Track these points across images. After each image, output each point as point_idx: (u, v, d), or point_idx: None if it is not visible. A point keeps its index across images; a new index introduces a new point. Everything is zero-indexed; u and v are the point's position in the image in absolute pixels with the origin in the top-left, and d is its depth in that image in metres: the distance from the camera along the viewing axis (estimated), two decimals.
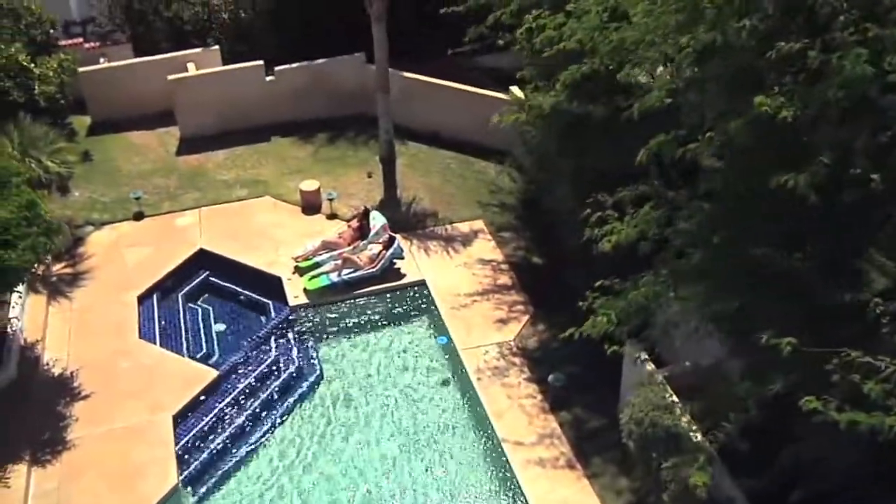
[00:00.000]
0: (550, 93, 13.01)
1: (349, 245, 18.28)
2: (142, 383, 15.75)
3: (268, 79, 22.39)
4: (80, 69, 21.89)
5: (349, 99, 22.86)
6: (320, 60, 22.64)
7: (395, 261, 18.08)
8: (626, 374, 14.27)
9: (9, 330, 16.23)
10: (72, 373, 16.02)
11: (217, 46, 23.21)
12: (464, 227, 19.45)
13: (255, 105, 22.47)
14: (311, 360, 16.60)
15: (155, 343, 16.76)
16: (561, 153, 16.33)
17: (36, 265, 14.51)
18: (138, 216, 19.89)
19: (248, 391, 15.86)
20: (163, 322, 17.36)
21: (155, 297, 17.85)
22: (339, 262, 17.82)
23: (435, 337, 16.93)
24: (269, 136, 22.57)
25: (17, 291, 16.25)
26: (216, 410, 15.42)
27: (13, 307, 16.54)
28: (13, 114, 18.59)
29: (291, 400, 15.76)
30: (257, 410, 15.50)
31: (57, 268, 18.42)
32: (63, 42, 22.51)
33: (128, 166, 21.55)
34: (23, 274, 14.49)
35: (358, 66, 22.65)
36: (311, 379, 16.18)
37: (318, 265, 18.01)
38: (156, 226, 19.66)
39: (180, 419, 15.19)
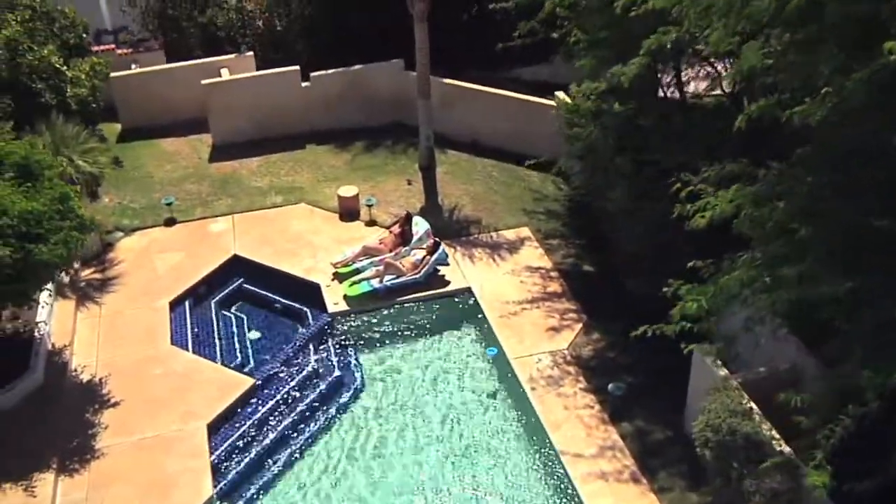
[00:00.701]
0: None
1: (391, 251, 17.46)
2: (174, 391, 14.89)
3: (303, 85, 21.73)
4: (112, 74, 21.29)
5: (386, 106, 22.17)
6: (357, 67, 21.99)
7: (438, 267, 17.22)
8: (694, 381, 13.30)
9: (36, 334, 15.44)
10: (101, 379, 15.18)
11: (251, 53, 22.60)
12: (509, 234, 18.61)
13: (290, 112, 21.79)
14: (352, 369, 15.71)
15: (187, 350, 15.91)
16: (619, 150, 15.52)
17: (67, 262, 13.69)
18: (170, 222, 19.16)
19: (286, 401, 14.96)
20: (195, 329, 16.52)
21: (187, 303, 17.04)
22: (381, 267, 16.98)
23: (483, 346, 15.99)
24: (303, 143, 21.87)
25: (48, 289, 15.45)
26: (253, 420, 14.51)
27: (41, 310, 15.75)
28: (45, 115, 17.96)
29: (332, 410, 14.85)
30: (296, 420, 14.59)
31: (86, 273, 17.68)
32: (95, 48, 21.95)
33: (159, 173, 20.88)
34: (54, 270, 13.71)
35: (396, 73, 21.97)
36: (352, 389, 15.28)
37: (358, 271, 17.17)
38: (188, 232, 18.92)
39: (215, 429, 14.28)
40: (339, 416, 14.79)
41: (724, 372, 12.45)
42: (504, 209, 19.43)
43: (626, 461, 13.36)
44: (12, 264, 12.69)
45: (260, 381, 15.18)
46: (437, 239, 17.36)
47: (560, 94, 19.99)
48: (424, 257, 17.10)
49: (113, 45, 23.34)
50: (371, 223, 18.88)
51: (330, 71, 21.80)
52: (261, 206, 19.65)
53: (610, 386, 14.56)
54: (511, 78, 23.04)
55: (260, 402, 14.89)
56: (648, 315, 11.76)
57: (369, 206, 19.01)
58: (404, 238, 17.72)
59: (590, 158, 17.08)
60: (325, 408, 14.91)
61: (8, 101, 18.15)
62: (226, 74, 21.83)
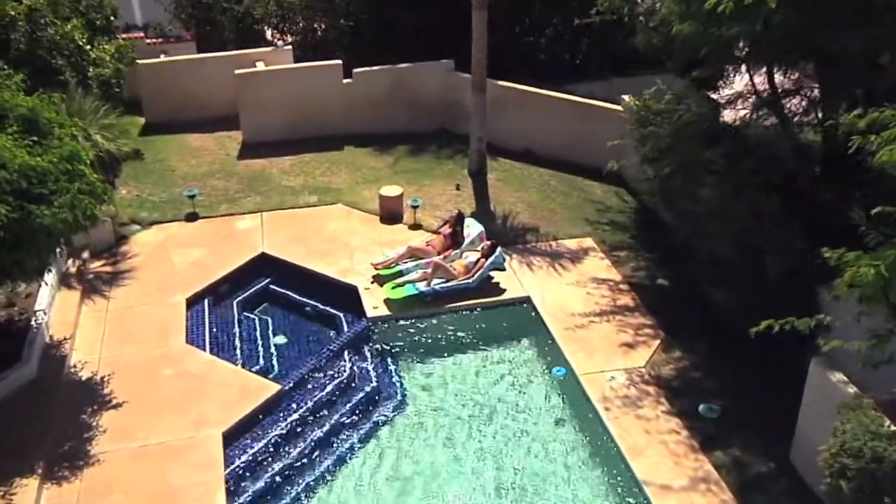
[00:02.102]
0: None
1: (439, 254, 15.40)
2: (186, 394, 12.78)
3: (345, 81, 19.97)
4: (139, 61, 19.63)
5: (433, 110, 20.41)
6: (404, 65, 20.25)
7: (494, 273, 15.15)
8: (809, 400, 11.06)
9: (33, 323, 13.42)
10: (103, 378, 13.09)
11: (289, 47, 20.93)
12: (570, 244, 16.55)
13: (330, 110, 20.03)
14: (392, 381, 13.57)
15: (204, 350, 13.83)
16: (711, 142, 13.58)
17: (72, 230, 11.66)
18: (192, 217, 17.25)
19: (315, 412, 12.80)
20: (214, 329, 14.46)
21: (206, 301, 15.01)
22: (429, 270, 14.91)
23: (546, 361, 13.86)
24: (341, 145, 20.04)
25: (49, 269, 13.41)
26: (277, 431, 12.34)
27: (40, 297, 13.77)
28: (63, 89, 16.20)
29: (367, 426, 12.67)
30: (326, 435, 12.42)
31: (96, 265, 15.72)
32: (123, 36, 20.34)
33: (182, 167, 19.05)
34: (57, 239, 11.69)
35: (444, 74, 20.23)
36: (392, 403, 13.12)
37: (401, 273, 15.12)
38: (211, 228, 16.98)
39: (232, 438, 12.11)
40: (375, 433, 12.61)
41: (853, 389, 10.23)
42: (563, 218, 17.41)
43: (723, 495, 11.07)
44: (7, 225, 10.71)
45: (287, 388, 13.04)
46: (493, 241, 15.33)
47: (627, 98, 18.14)
48: (479, 260, 15.05)
49: (142, 34, 21.72)
50: (416, 227, 16.88)
51: (375, 68, 20.06)
52: (293, 206, 17.73)
53: (701, 407, 12.34)
54: (566, 93, 21.25)
55: (285, 411, 12.73)
56: (737, 330, 10.48)
57: (414, 207, 17.03)
58: (454, 240, 15.69)
59: (668, 157, 15.07)
60: (359, 423, 12.74)
61: (25, 75, 16.40)
62: (261, 67, 20.11)
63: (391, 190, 17.39)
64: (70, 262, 15.44)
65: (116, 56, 18.43)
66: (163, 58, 21.02)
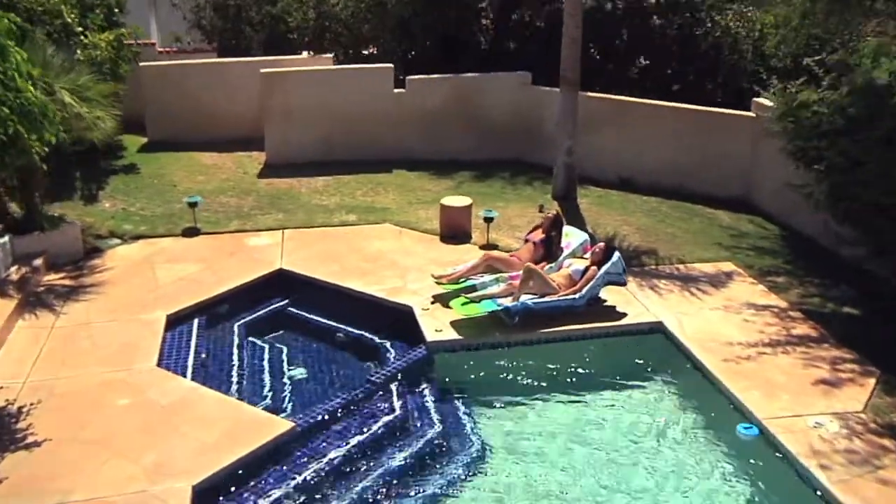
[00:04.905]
0: None
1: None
2: (145, 431, 8.13)
3: (395, 91, 16.03)
4: (143, 63, 15.92)
5: (504, 133, 16.34)
6: (469, 74, 16.35)
7: (610, 288, 10.57)
8: None
9: None
10: (21, 408, 8.50)
11: (332, 54, 17.17)
12: (706, 267, 11.96)
13: (376, 124, 16.03)
14: (463, 429, 8.76)
15: (185, 377, 9.22)
16: None
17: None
18: (191, 232, 12.97)
19: (349, 462, 8.03)
20: (203, 354, 9.89)
21: (196, 321, 10.51)
22: (516, 281, 10.35)
23: (697, 402, 9.04)
24: (390, 168, 15.88)
25: None
26: (284, 489, 7.56)
27: None
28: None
29: (428, 489, 7.83)
30: (370, 496, 7.60)
31: (50, 277, 11.38)
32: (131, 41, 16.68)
33: (186, 183, 14.95)
34: None
35: (519, 88, 16.24)
36: (465, 457, 8.29)
37: (474, 288, 10.55)
38: (213, 244, 12.66)
39: (210, 496, 7.35)
40: (443, 495, 7.74)
41: None
42: (688, 242, 12.89)
43: None
44: None
45: (302, 427, 8.33)
46: (610, 244, 10.83)
47: (762, 100, 14.02)
48: (588, 269, 10.47)
49: (153, 41, 18.13)
50: (490, 247, 12.37)
51: (434, 76, 16.15)
52: (325, 224, 13.40)
53: None
54: None
55: (299, 460, 7.98)
56: None
57: (488, 220, 12.61)
58: (548, 251, 11.18)
59: (837, 143, 10.77)
60: (416, 484, 7.89)
61: None
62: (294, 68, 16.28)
63: (457, 200, 13.09)
64: (14, 268, 11.15)
65: (115, 44, 14.70)
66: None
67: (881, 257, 10.93)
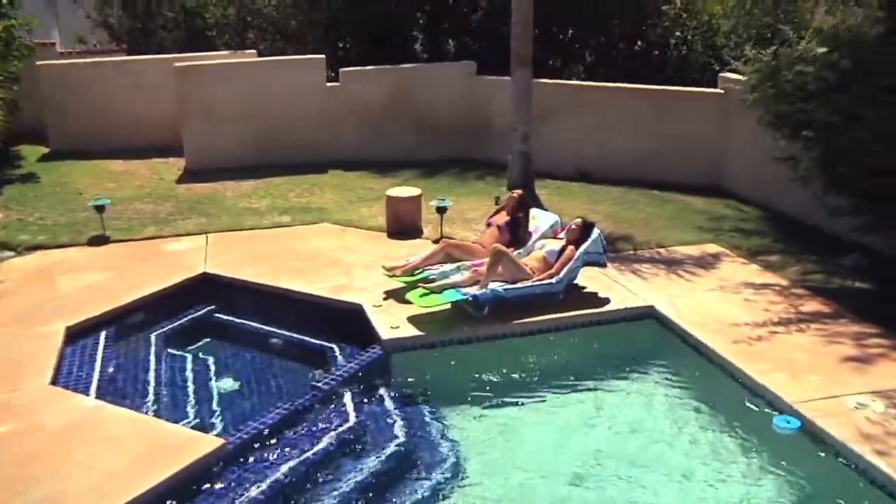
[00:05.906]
0: None
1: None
2: (31, 461, 6.38)
3: (328, 85, 14.54)
4: (40, 62, 14.13)
5: (450, 129, 14.94)
6: (409, 65, 14.97)
7: (585, 274, 9.16)
8: None
9: None
10: None
11: (254, 51, 15.59)
12: (689, 250, 10.68)
13: (307, 122, 14.48)
14: (430, 435, 7.18)
15: (87, 395, 7.47)
16: None
17: None
18: (98, 240, 11.19)
19: (300, 482, 6.39)
20: (110, 368, 8.15)
21: (103, 333, 8.75)
22: (482, 269, 8.87)
23: (709, 388, 7.64)
24: (325, 168, 14.34)
25: None
26: None
27: None
28: None
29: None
30: None
31: None
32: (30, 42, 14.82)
33: (94, 190, 13.12)
34: None
35: (465, 79, 14.90)
36: (437, 475, 6.69)
37: (429, 280, 9.02)
38: (125, 252, 10.90)
39: None
40: None
41: None
42: (665, 227, 11.64)
43: None
44: None
45: (234, 444, 6.66)
46: (587, 220, 9.43)
47: (729, 74, 12.98)
48: (564, 248, 9.07)
49: (54, 42, 16.28)
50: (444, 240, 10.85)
51: (370, 67, 14.71)
52: (254, 227, 11.76)
53: None
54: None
55: (234, 483, 6.30)
56: None
57: (441, 210, 11.13)
58: (515, 236, 9.74)
59: (826, 103, 9.67)
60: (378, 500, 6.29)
61: None
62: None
63: (405, 191, 11.61)
64: None
65: (3, 36, 12.91)
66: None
67: (883, 229, 9.80)
